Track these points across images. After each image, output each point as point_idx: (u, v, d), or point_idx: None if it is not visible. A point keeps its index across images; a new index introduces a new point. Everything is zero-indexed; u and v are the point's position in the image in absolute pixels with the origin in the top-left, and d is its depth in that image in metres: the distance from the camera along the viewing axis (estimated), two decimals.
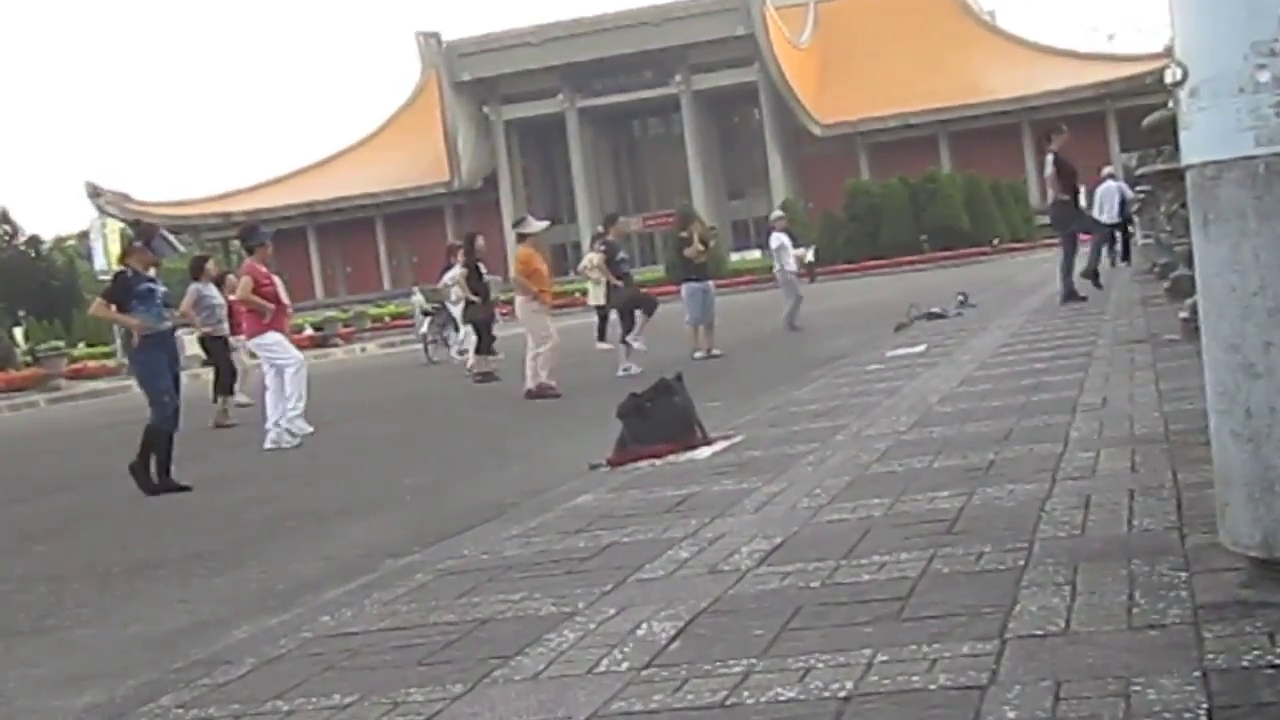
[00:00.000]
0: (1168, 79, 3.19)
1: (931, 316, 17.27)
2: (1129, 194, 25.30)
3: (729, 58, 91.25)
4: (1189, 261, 8.18)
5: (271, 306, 12.09)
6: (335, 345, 42.92)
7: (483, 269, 18.11)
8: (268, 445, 11.85)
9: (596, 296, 19.25)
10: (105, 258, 45.74)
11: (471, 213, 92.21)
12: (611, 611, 3.90)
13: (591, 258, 18.24)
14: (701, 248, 17.87)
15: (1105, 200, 25.72)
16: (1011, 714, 2.64)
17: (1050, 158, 16.15)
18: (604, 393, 11.51)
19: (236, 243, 19.33)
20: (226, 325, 15.90)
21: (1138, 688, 2.68)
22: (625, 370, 15.45)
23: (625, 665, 3.34)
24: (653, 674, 3.24)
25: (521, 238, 15.21)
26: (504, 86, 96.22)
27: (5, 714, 4.38)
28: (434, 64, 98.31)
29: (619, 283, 17.14)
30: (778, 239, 21.74)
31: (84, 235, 68.28)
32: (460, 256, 19.16)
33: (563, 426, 11.01)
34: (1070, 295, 15.80)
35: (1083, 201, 18.93)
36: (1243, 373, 3.11)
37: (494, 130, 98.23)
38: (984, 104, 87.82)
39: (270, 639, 4.26)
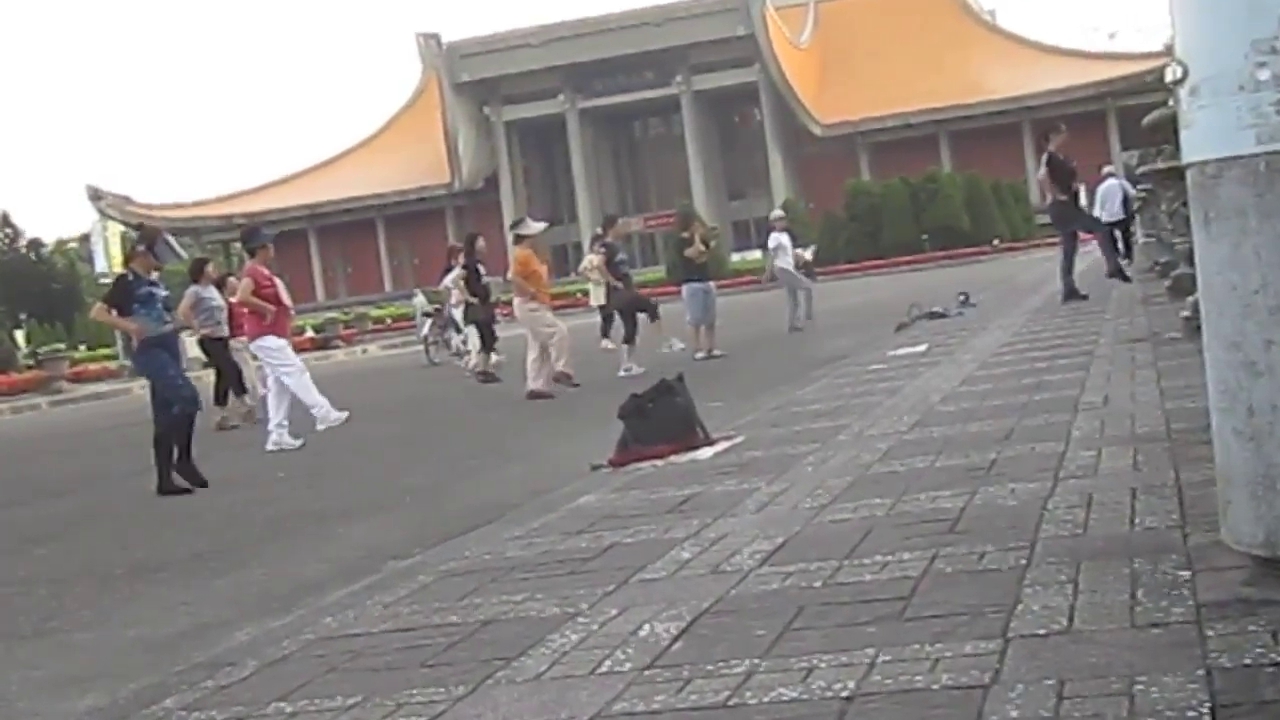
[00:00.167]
0: (1168, 77, 3.19)
1: (933, 316, 17.26)
2: (1131, 192, 25.32)
3: (729, 58, 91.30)
4: (1190, 260, 8.18)
5: (273, 308, 12.09)
6: (336, 347, 42.95)
7: (482, 270, 18.12)
8: (270, 447, 11.86)
9: (598, 297, 19.24)
10: (106, 260, 45.81)
11: (472, 213, 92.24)
12: (614, 612, 3.90)
13: (591, 259, 18.23)
14: (703, 248, 17.87)
15: (1107, 198, 25.74)
16: (1014, 713, 2.64)
17: (1044, 158, 16.14)
18: (605, 393, 11.50)
19: (238, 245, 19.30)
20: (226, 327, 15.89)
21: (1141, 686, 2.68)
22: (627, 370, 15.46)
23: (628, 666, 3.34)
24: (655, 674, 3.24)
25: (519, 239, 15.20)
26: (504, 87, 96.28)
27: (7, 716, 4.38)
28: (434, 65, 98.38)
29: (619, 285, 17.14)
30: (776, 239, 21.72)
31: (85, 238, 68.41)
32: (460, 258, 19.17)
33: (564, 427, 11.01)
34: (1071, 294, 15.79)
35: (1083, 200, 18.93)
36: (1244, 371, 3.11)
37: (494, 131, 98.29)
38: (984, 103, 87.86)
39: (273, 641, 4.25)
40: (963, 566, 3.86)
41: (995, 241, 62.34)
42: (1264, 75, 2.99)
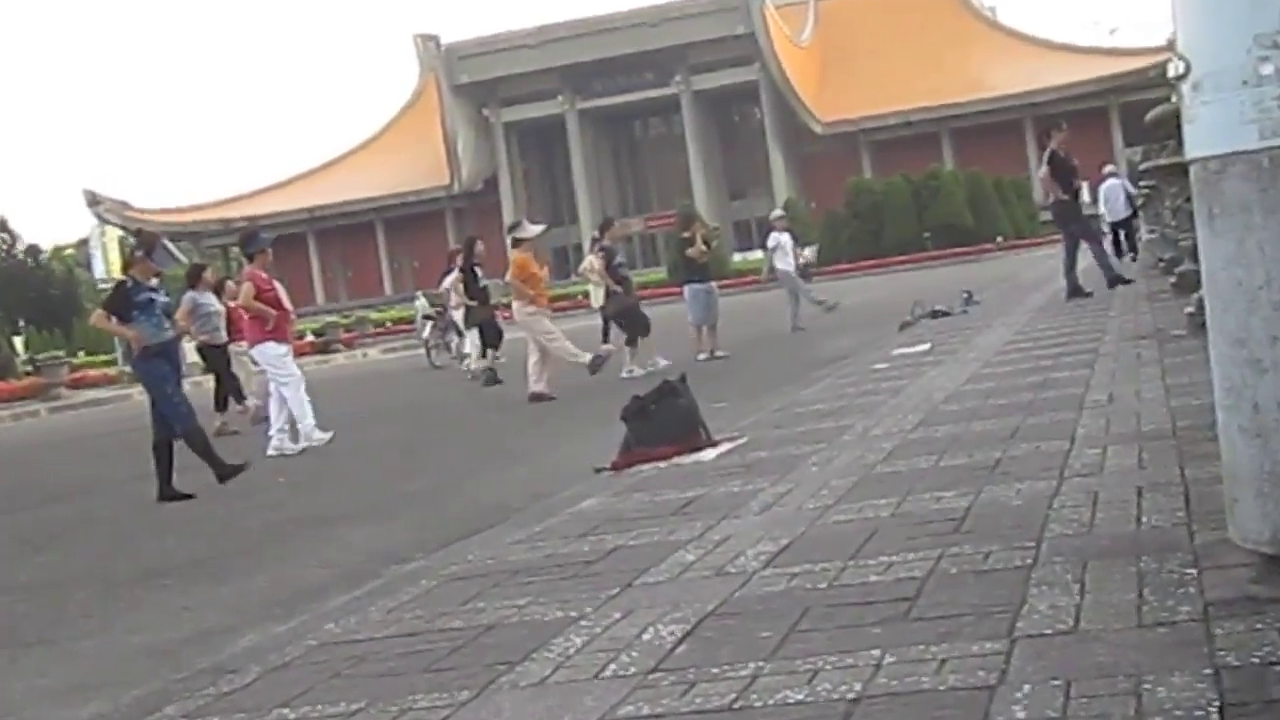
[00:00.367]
0: (1170, 73, 3.19)
1: (936, 315, 17.25)
2: (1131, 190, 25.35)
3: (729, 57, 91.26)
4: (1194, 256, 8.18)
5: (274, 312, 12.10)
6: (337, 351, 42.93)
7: (479, 273, 18.14)
8: (270, 452, 11.86)
9: (598, 299, 19.24)
10: (105, 266, 45.84)
11: (472, 215, 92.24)
12: (618, 616, 3.90)
13: (591, 261, 18.23)
14: (704, 248, 17.86)
15: (1110, 197, 25.79)
16: (1021, 714, 2.64)
17: (1046, 156, 16.14)
18: (608, 395, 11.50)
19: (237, 249, 19.29)
20: (224, 333, 15.88)
21: (1148, 686, 2.68)
22: (629, 372, 15.46)
23: (632, 669, 3.34)
24: (660, 678, 3.24)
25: (517, 242, 15.21)
26: (503, 88, 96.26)
27: None
28: (433, 67, 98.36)
29: (618, 288, 17.10)
30: (775, 238, 21.71)
31: (83, 243, 68.40)
32: (459, 261, 19.21)
33: (566, 430, 11.01)
34: (1075, 291, 15.79)
35: (1085, 197, 18.90)
36: (1249, 368, 3.11)
37: (494, 133, 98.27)
38: (986, 100, 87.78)
39: (275, 647, 4.26)
40: (968, 566, 3.86)
41: (998, 239, 62.29)
42: (1267, 70, 2.99)
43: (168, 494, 9.59)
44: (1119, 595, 3.33)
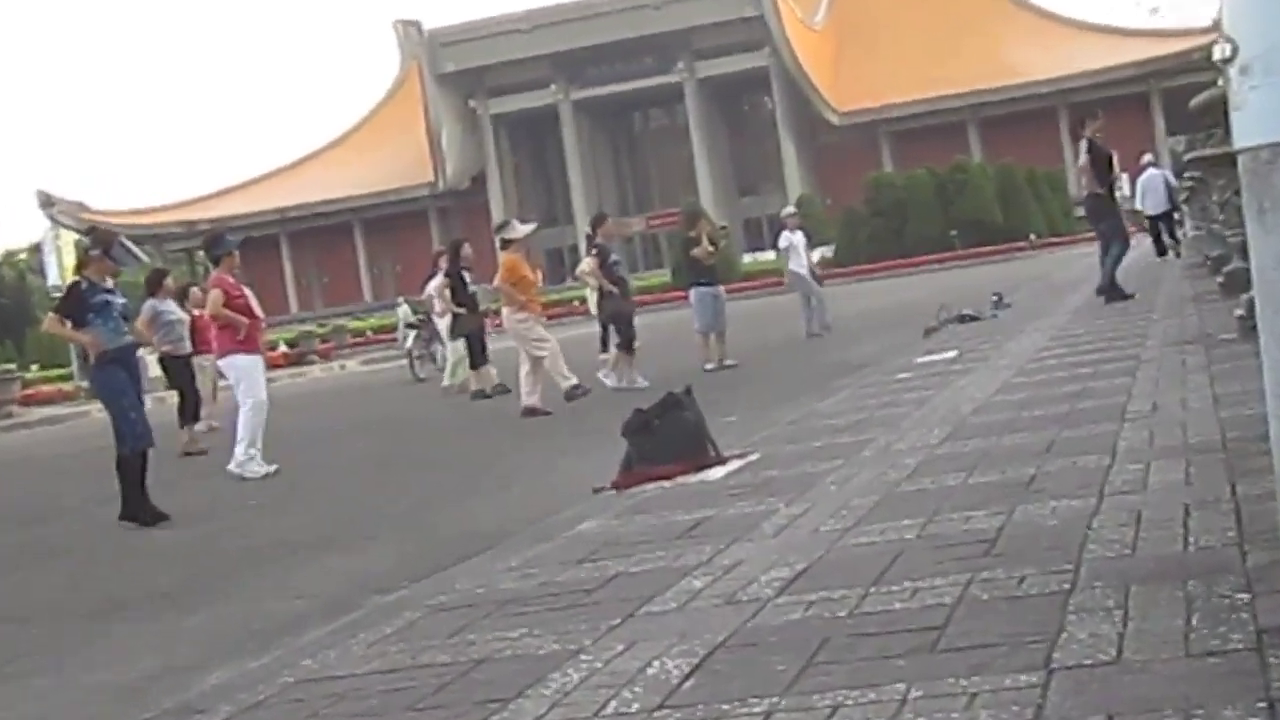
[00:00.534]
0: (1216, 55, 3.20)
1: (964, 319, 17.28)
2: (1174, 182, 25.38)
3: (737, 41, 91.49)
4: (1244, 253, 8.19)
5: (246, 321, 12.07)
6: (312, 362, 43.05)
7: (468, 278, 18.15)
8: (231, 467, 11.76)
9: (596, 304, 19.27)
10: (59, 272, 45.86)
11: (459, 215, 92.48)
12: (619, 648, 3.90)
13: (589, 263, 18.26)
14: (711, 249, 17.88)
15: (1149, 189, 25.82)
16: None
17: (1084, 144, 16.17)
18: (607, 409, 11.52)
19: (202, 253, 19.31)
20: (188, 344, 15.88)
21: None
22: (631, 384, 15.46)
23: (635, 707, 3.35)
24: (665, 715, 3.25)
25: (506, 243, 15.22)
26: (491, 77, 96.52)
27: None
28: (415, 54, 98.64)
29: (614, 289, 17.08)
30: (787, 238, 21.76)
31: (36, 248, 68.51)
32: (444, 264, 19.21)
33: (563, 446, 11.02)
34: (1114, 293, 15.79)
35: (1125, 190, 18.90)
36: None
37: (481, 125, 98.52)
38: (1016, 86, 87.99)
39: (248, 684, 4.26)
40: (1000, 592, 3.86)
41: (1031, 237, 62.36)
42: None
43: (131, 512, 9.53)
44: (1165, 622, 3.33)
